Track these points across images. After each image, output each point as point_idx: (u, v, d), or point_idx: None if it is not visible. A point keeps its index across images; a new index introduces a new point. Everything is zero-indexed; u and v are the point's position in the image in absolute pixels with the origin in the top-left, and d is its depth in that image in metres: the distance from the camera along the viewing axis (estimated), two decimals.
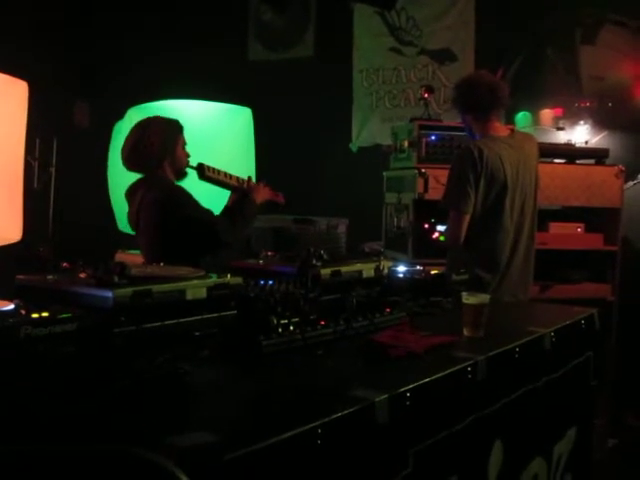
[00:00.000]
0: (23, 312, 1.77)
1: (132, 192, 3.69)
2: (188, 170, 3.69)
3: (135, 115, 4.58)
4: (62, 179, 6.59)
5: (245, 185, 3.72)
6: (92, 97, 7.44)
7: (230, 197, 3.72)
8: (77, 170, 6.49)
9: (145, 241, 3.65)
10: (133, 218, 3.68)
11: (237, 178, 3.73)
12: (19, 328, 1.66)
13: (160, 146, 3.60)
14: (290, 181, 5.45)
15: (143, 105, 4.89)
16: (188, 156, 3.70)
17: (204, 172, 3.60)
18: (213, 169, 3.64)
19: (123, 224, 4.54)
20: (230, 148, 4.44)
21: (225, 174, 3.68)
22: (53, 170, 6.58)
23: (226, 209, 3.64)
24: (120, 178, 4.33)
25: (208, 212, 3.54)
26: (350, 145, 6.94)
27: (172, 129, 3.68)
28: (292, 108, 6.69)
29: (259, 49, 7.46)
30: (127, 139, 3.69)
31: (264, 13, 7.43)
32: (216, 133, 4.71)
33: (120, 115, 5.19)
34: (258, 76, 7.08)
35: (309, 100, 6.77)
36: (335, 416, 1.58)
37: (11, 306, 1.82)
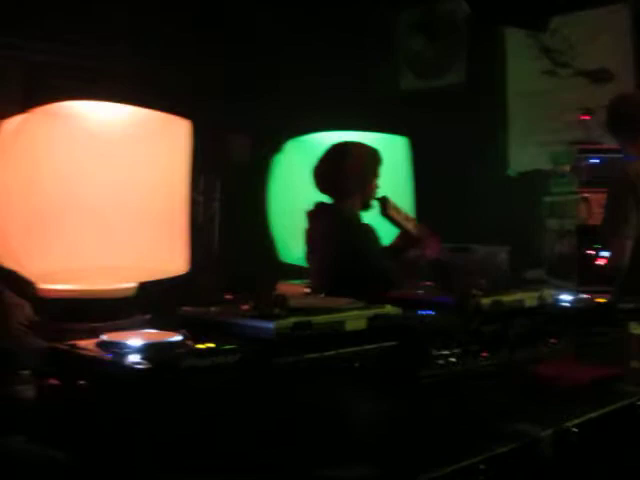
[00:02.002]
0: (188, 343, 1.83)
1: (316, 214, 3.68)
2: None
3: (293, 148, 4.67)
4: (225, 212, 6.79)
5: (419, 233, 3.65)
6: (251, 132, 7.65)
7: (400, 238, 3.68)
8: (239, 203, 6.67)
9: (317, 265, 3.65)
10: (312, 239, 3.69)
11: (414, 222, 3.68)
12: (184, 359, 1.71)
13: (358, 175, 3.60)
14: (446, 209, 5.40)
15: (301, 138, 4.97)
16: (377, 188, 3.66)
17: (386, 208, 3.54)
18: (395, 207, 3.58)
19: (285, 255, 4.61)
20: (387, 178, 4.44)
21: (406, 216, 3.64)
22: (217, 204, 6.81)
23: (394, 250, 3.61)
24: (281, 210, 4.41)
25: (386, 261, 3.51)
26: (508, 171, 6.82)
27: (373, 159, 3.67)
28: (445, 135, 6.65)
29: (411, 78, 7.47)
30: (324, 160, 3.67)
31: (415, 42, 7.45)
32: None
33: (279, 148, 5.30)
34: (410, 105, 7.08)
35: (462, 126, 6.71)
36: (498, 451, 1.54)
37: (177, 337, 1.88)
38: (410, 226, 3.62)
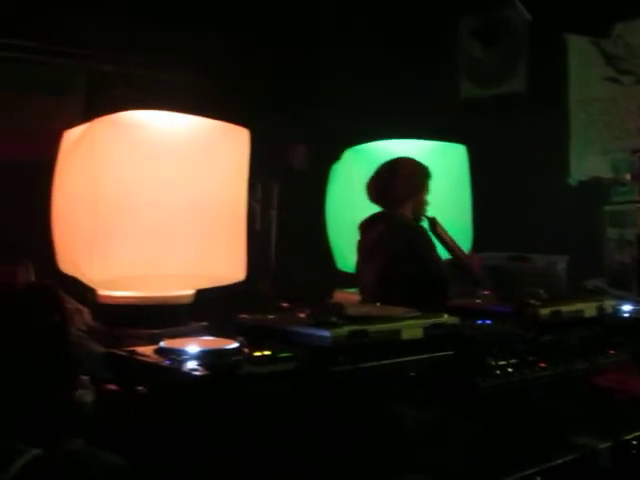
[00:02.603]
0: (246, 350, 1.85)
1: (369, 224, 3.73)
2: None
3: (352, 157, 4.67)
4: (282, 220, 6.82)
5: (464, 255, 3.72)
6: (310, 140, 7.67)
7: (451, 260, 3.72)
8: (297, 211, 6.70)
9: (373, 274, 3.66)
10: (367, 247, 3.71)
11: (459, 248, 3.73)
12: (241, 366, 1.73)
13: (406, 186, 3.67)
14: (504, 217, 5.35)
15: (359, 147, 4.98)
16: (427, 204, 3.73)
17: (435, 227, 3.61)
18: (442, 228, 3.65)
19: (342, 263, 4.62)
20: (446, 187, 4.42)
21: (451, 239, 3.68)
22: (274, 212, 6.84)
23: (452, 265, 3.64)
24: (339, 218, 4.42)
25: (442, 262, 3.56)
26: (569, 179, 6.73)
27: (422, 174, 3.75)
28: (505, 143, 6.59)
29: (470, 86, 7.43)
30: (377, 171, 3.76)
31: (474, 49, 7.40)
32: (432, 172, 4.70)
33: (337, 157, 5.31)
34: (470, 113, 7.04)
35: (522, 134, 6.65)
36: (555, 463, 1.53)
37: (234, 344, 1.89)
38: (455, 247, 3.67)
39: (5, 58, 4.49)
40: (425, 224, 3.66)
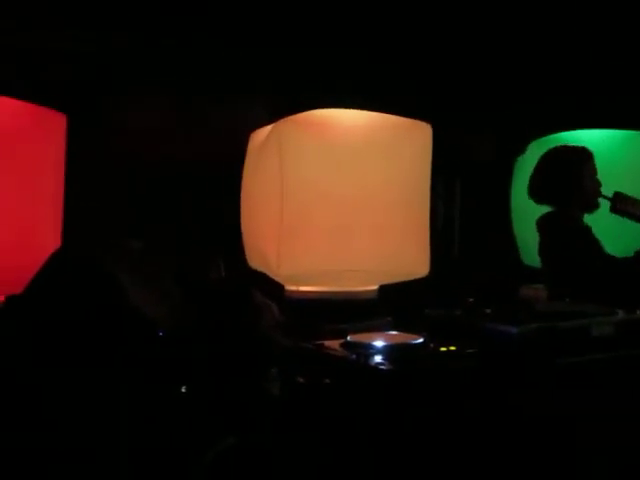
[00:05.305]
0: (431, 345, 1.85)
1: (542, 224, 3.61)
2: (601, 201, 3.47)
3: (537, 149, 4.55)
4: (466, 214, 6.75)
5: None
6: (495, 132, 7.54)
7: None
8: (480, 205, 6.60)
9: (554, 271, 3.56)
10: (542, 249, 3.62)
11: None
12: (427, 361, 1.73)
13: (564, 178, 3.49)
14: None
15: (544, 138, 4.84)
16: (599, 186, 3.50)
17: (616, 204, 3.38)
18: (632, 200, 3.40)
19: (528, 258, 4.51)
20: (629, 175, 4.22)
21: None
22: (458, 206, 6.78)
23: None
24: (524, 213, 4.32)
25: (611, 261, 3.36)
26: None
27: (577, 159, 3.53)
28: None
29: None
30: (534, 171, 3.63)
31: None
32: (624, 163, 4.47)
33: (522, 149, 5.20)
34: None
35: None
36: None
37: (420, 339, 1.90)
38: None
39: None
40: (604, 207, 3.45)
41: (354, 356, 1.83)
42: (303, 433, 1.84)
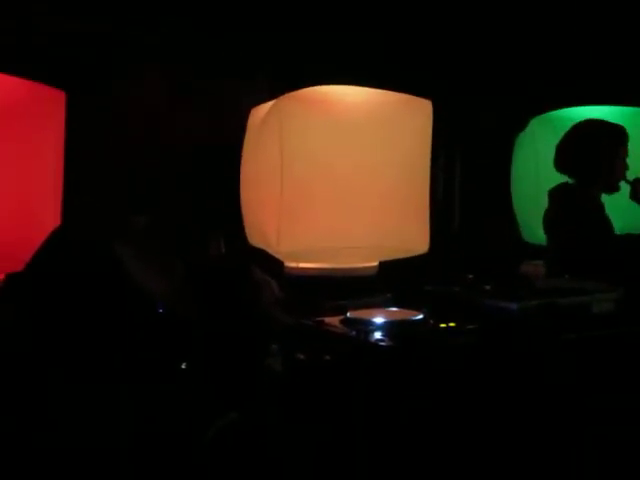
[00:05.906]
0: (431, 322, 1.85)
1: (556, 195, 3.54)
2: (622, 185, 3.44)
3: (537, 127, 4.53)
4: (466, 190, 6.73)
5: None
6: (496, 108, 7.50)
7: None
8: (481, 181, 6.59)
9: (557, 246, 3.54)
10: (551, 217, 3.58)
11: None
12: (427, 337, 1.73)
13: (598, 157, 3.42)
14: None
15: (545, 115, 4.82)
16: (626, 169, 3.44)
17: (637, 191, 3.35)
18: None
19: (528, 234, 4.51)
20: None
21: None
22: (457, 181, 6.76)
23: None
24: (524, 190, 4.31)
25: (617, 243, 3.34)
26: None
27: (615, 140, 3.44)
28: None
29: None
30: (565, 140, 3.52)
31: None
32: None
33: (523, 126, 5.17)
34: None
35: None
36: None
37: (420, 315, 1.90)
38: None
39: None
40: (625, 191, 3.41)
41: (354, 332, 1.83)
42: (303, 409, 1.85)
